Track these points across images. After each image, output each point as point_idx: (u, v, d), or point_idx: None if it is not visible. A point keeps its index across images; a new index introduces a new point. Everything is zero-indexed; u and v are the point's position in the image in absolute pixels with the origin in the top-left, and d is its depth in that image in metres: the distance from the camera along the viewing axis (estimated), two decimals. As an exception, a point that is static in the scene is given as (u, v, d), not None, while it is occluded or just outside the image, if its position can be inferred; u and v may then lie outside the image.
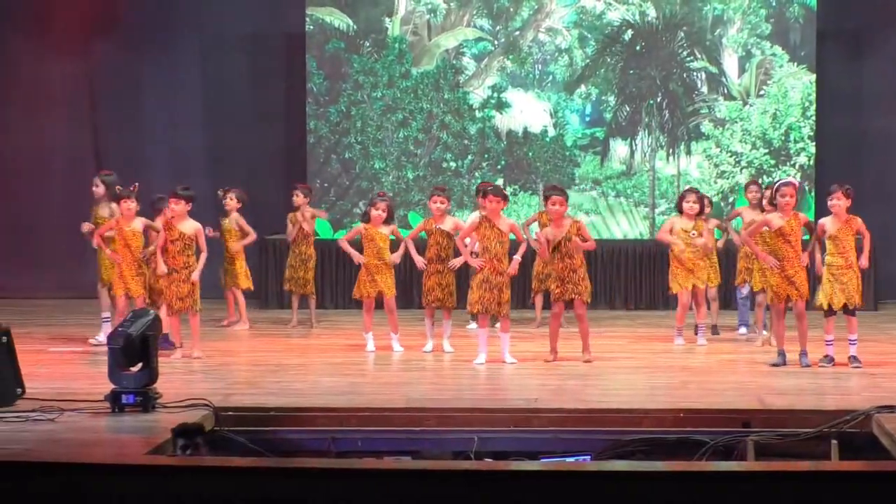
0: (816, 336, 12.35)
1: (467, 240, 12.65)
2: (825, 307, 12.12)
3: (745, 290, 14.21)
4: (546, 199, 12.67)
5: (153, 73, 18.45)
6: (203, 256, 12.82)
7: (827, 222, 12.15)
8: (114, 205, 13.54)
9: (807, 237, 12.53)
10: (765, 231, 12.36)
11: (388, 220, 13.26)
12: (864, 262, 12.26)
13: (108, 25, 18.23)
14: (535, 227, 14.69)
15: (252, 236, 15.15)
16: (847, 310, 12.09)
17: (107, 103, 18.52)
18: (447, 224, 13.31)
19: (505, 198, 12.61)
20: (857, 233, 12.14)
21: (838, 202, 12.06)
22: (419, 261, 13.29)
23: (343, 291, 16.46)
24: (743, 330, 14.46)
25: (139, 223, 13.26)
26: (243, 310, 15.14)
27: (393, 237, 13.42)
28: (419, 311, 14.00)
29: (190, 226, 12.71)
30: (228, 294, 15.25)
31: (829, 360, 12.15)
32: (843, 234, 12.08)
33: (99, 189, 13.77)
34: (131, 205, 13.15)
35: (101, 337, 13.27)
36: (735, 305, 15.20)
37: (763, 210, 13.16)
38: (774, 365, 12.14)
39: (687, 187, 14.91)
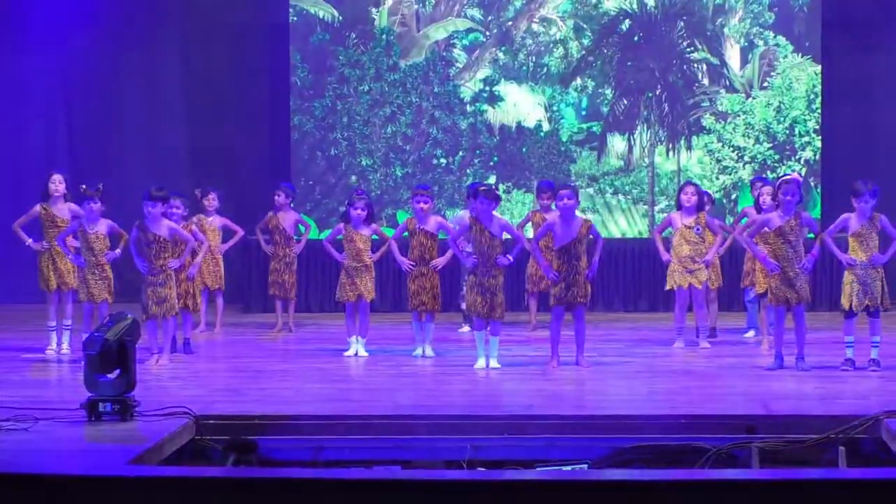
0: (820, 339, 12.28)
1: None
2: (846, 308, 11.97)
3: (752, 292, 14.07)
4: (555, 195, 12.55)
5: (132, 66, 18.37)
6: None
7: (850, 219, 11.96)
8: (73, 205, 13.22)
9: (811, 235, 12.36)
10: (765, 231, 12.16)
11: (369, 220, 13.25)
12: (884, 259, 12.04)
13: (86, 17, 18.07)
14: (528, 228, 14.80)
15: (239, 233, 15.11)
16: (869, 311, 11.94)
17: (84, 99, 18.45)
18: (430, 224, 13.17)
19: (496, 199, 12.43)
20: (881, 231, 11.96)
21: (865, 204, 11.85)
22: (405, 263, 13.16)
23: (327, 294, 16.30)
24: (751, 333, 14.33)
25: (104, 226, 12.87)
26: (219, 313, 15.22)
27: (376, 237, 13.43)
28: (407, 315, 13.89)
29: (164, 227, 12.49)
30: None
31: (851, 363, 11.94)
32: (866, 232, 11.89)
33: (61, 187, 13.22)
34: (95, 206, 12.79)
35: (54, 345, 13.29)
36: (739, 307, 15.18)
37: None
38: (770, 369, 11.95)
39: (685, 181, 14.85)
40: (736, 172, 17.49)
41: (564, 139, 17.75)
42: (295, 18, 17.79)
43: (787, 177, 12.50)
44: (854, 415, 9.39)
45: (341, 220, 13.48)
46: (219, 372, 12.52)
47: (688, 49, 17.67)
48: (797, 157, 17.42)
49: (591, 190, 17.52)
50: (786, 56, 17.49)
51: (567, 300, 12.14)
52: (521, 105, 17.78)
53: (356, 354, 13.03)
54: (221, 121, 18.09)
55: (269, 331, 15.15)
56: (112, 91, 18.27)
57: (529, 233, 14.66)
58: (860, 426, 9.22)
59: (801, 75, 17.47)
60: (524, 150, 17.78)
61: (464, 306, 14.42)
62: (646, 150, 17.67)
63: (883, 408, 9.44)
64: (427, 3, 17.80)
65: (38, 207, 13.32)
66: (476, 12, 17.83)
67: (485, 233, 12.06)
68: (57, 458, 8.41)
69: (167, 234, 12.42)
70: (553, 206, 13.76)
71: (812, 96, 17.43)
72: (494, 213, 12.22)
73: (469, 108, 17.82)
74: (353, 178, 17.67)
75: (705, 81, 17.64)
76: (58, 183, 13.29)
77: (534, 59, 17.81)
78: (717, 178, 17.50)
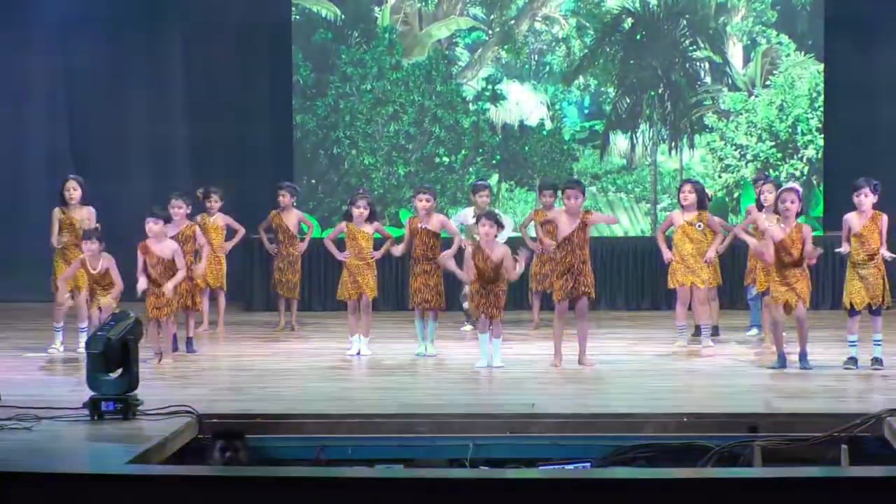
0: (823, 337, 12.35)
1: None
2: (847, 307, 11.99)
3: (753, 290, 14.00)
4: (563, 191, 12.49)
5: (133, 65, 18.26)
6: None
7: (851, 218, 12.02)
8: (91, 208, 13.45)
9: (819, 233, 12.20)
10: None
11: (371, 218, 13.30)
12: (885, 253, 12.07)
13: (88, 17, 17.94)
14: (531, 226, 14.79)
15: (241, 232, 15.12)
16: (871, 309, 11.96)
17: (86, 98, 18.33)
18: (433, 223, 13.17)
19: (500, 226, 12.46)
20: (882, 230, 11.98)
21: (865, 198, 11.90)
22: (397, 250, 13.29)
23: (330, 292, 16.24)
24: (754, 331, 14.25)
25: (105, 263, 12.81)
26: (221, 311, 15.20)
27: (378, 235, 13.45)
28: (410, 313, 13.86)
29: (167, 248, 12.55)
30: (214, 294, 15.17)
31: (854, 361, 11.97)
32: (867, 231, 11.93)
33: (77, 192, 13.34)
34: (93, 246, 12.76)
35: (58, 344, 13.41)
36: (742, 306, 15.11)
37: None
38: (773, 368, 11.94)
39: (684, 179, 14.73)
40: (738, 171, 17.35)
41: (567, 137, 17.63)
42: (297, 17, 17.65)
43: (788, 186, 12.57)
44: (857, 413, 9.43)
45: (343, 218, 13.51)
46: (221, 371, 12.58)
47: (690, 47, 17.54)
48: (799, 155, 17.30)
49: (593, 188, 17.36)
50: (788, 54, 17.35)
51: (572, 293, 12.10)
52: (524, 103, 17.65)
53: (359, 353, 13.07)
54: (224, 120, 17.97)
55: (271, 329, 15.13)
56: (114, 90, 18.14)
57: (532, 231, 14.68)
58: (863, 424, 9.26)
59: (804, 73, 17.33)
60: (527, 148, 17.65)
61: (465, 305, 14.44)
62: (648, 149, 17.55)
63: (886, 406, 9.49)
64: (429, 1, 17.67)
65: (56, 212, 13.48)
66: (478, 11, 17.70)
67: (488, 261, 12.11)
68: (59, 456, 8.44)
69: (169, 255, 12.48)
70: (557, 204, 13.79)
71: (814, 94, 17.30)
72: (496, 239, 12.28)
73: (471, 107, 17.69)
74: (355, 178, 17.56)
75: (708, 80, 17.50)
76: (72, 190, 13.49)
77: (536, 58, 17.68)
78: (720, 177, 17.36)
